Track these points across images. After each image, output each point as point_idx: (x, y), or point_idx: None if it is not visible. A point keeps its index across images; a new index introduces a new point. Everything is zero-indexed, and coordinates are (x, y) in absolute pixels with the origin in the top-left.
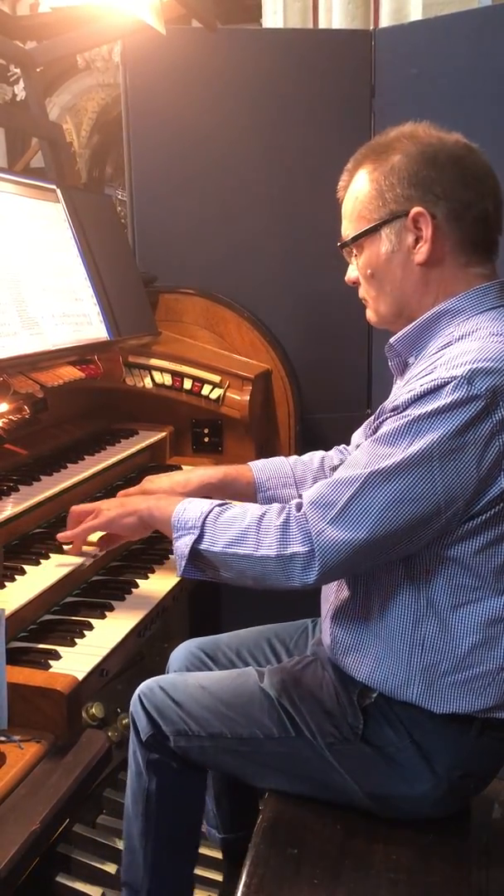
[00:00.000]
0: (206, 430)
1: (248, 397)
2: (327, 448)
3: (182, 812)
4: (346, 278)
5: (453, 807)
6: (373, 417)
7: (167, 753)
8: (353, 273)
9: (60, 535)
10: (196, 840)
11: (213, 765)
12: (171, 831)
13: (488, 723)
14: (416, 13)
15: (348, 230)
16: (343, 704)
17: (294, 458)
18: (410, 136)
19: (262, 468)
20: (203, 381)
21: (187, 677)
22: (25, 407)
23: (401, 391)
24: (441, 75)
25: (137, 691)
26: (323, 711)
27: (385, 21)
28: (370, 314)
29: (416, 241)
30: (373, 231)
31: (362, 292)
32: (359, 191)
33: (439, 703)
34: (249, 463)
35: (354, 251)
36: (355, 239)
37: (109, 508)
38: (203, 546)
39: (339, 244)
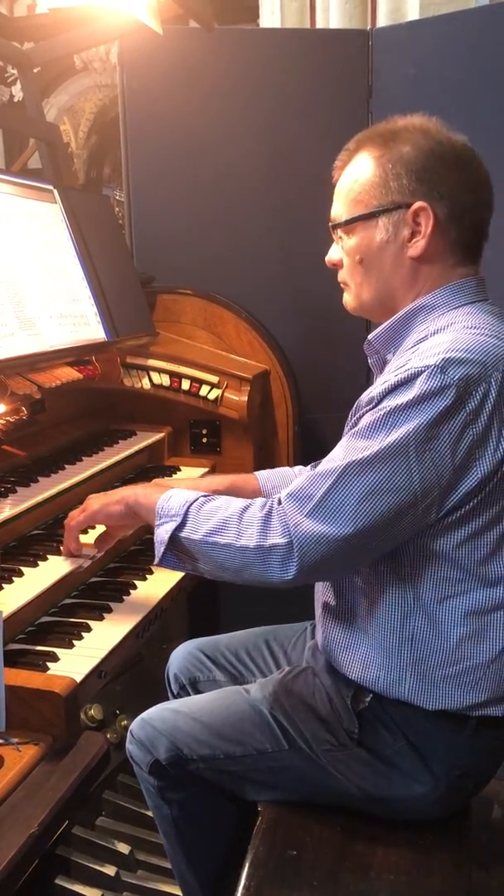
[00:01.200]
0: (204, 431)
1: (246, 398)
2: (327, 447)
3: (211, 826)
4: (326, 259)
5: (452, 807)
6: (351, 412)
7: (172, 776)
8: (335, 255)
9: (63, 550)
10: (237, 849)
11: (211, 785)
12: (207, 850)
13: (483, 720)
14: (413, 13)
15: (341, 211)
16: (337, 710)
17: (299, 467)
18: (422, 130)
19: (268, 477)
20: (201, 382)
21: (175, 704)
22: (23, 408)
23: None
24: (439, 75)
25: (129, 730)
26: (317, 719)
27: (382, 21)
28: (349, 299)
29: (412, 235)
30: (369, 217)
31: (343, 275)
32: (360, 173)
33: (432, 700)
34: (255, 472)
35: (343, 233)
36: (349, 222)
37: (95, 499)
38: (184, 534)
39: (330, 224)
